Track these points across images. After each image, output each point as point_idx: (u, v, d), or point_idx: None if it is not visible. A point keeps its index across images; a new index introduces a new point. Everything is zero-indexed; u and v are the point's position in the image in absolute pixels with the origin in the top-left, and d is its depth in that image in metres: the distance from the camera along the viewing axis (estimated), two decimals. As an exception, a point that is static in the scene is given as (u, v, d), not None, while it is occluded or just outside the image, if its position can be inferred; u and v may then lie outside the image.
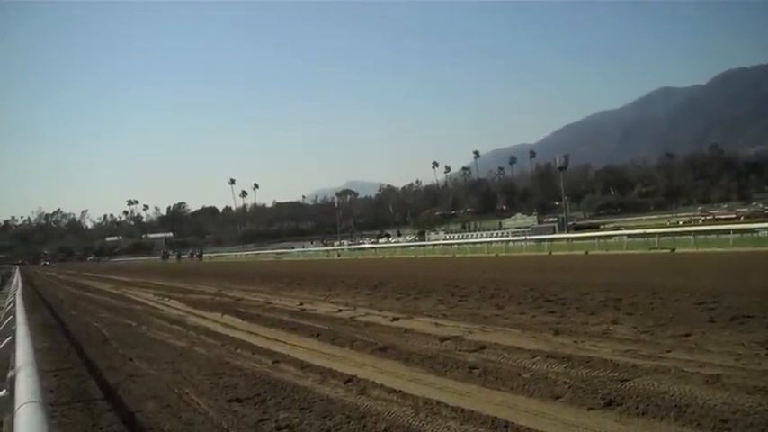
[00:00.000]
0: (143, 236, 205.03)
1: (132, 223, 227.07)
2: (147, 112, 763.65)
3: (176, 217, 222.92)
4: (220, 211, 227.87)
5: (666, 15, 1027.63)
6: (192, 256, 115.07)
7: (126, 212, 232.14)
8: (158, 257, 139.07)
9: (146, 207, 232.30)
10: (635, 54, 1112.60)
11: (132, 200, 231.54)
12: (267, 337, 12.93)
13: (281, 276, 34.82)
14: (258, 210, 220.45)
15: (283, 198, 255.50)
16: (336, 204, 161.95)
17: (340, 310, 16.45)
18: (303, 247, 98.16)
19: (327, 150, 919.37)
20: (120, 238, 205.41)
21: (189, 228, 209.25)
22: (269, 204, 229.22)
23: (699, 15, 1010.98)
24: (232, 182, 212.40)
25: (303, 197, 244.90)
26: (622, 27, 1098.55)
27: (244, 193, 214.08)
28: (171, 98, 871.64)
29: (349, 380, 8.42)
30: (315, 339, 12.15)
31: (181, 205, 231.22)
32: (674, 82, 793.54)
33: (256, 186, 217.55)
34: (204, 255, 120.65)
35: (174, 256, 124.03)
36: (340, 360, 9.98)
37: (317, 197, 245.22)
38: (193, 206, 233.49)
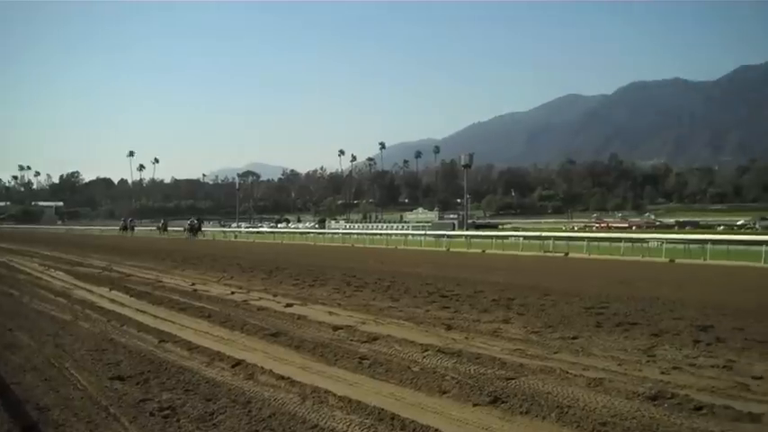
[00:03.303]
0: (32, 203, 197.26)
1: (22, 189, 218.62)
2: (48, 79, 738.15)
3: (68, 186, 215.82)
4: (116, 183, 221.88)
5: (578, 23, 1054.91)
6: (191, 228, 72.03)
7: (15, 177, 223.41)
8: (55, 227, 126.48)
9: (37, 174, 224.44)
10: (547, 59, 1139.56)
11: (24, 165, 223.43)
12: (155, 316, 12.60)
13: (175, 254, 34.12)
14: (156, 185, 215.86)
15: (184, 175, 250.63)
16: (237, 185, 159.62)
17: (233, 293, 16.20)
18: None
19: (232, 130, 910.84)
20: (9, 203, 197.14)
21: (81, 198, 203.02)
22: (167, 180, 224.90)
23: (609, 26, 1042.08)
24: (131, 154, 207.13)
25: (204, 175, 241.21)
26: (535, 31, 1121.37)
27: (142, 167, 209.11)
28: (71, 66, 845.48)
29: (237, 364, 8.27)
30: (205, 321, 11.91)
31: (74, 174, 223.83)
32: (582, 90, 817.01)
33: (156, 161, 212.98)
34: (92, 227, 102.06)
35: (159, 227, 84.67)
36: (229, 343, 9.80)
37: (217, 176, 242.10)
38: (89, 176, 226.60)
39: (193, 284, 18.46)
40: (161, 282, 19.37)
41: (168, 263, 27.67)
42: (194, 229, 71.55)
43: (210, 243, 57.49)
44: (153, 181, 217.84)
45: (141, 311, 13.29)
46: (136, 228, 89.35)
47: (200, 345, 9.54)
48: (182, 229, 77.90)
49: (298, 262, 28.17)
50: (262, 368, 7.99)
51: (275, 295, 15.67)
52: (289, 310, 13.19)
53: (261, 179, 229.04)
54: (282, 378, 7.52)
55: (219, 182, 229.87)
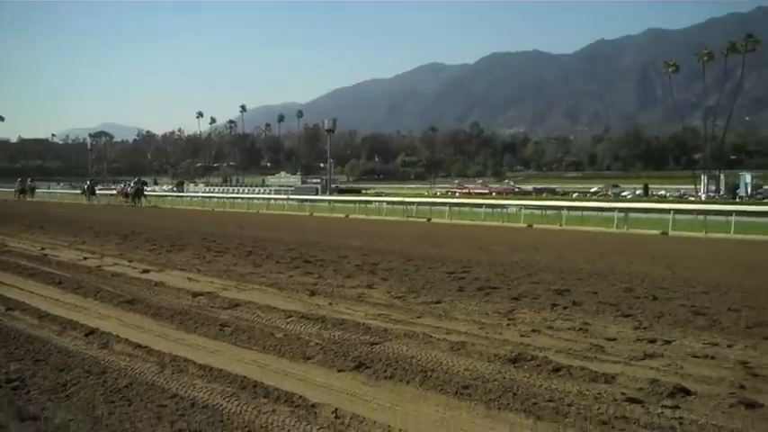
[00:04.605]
0: None
1: None
2: None
3: None
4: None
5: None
6: (136, 192, 55.82)
7: None
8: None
9: None
10: (410, 27, 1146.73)
11: None
12: (1, 282, 11.92)
13: (22, 217, 32.51)
14: (1, 145, 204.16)
15: (31, 134, 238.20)
16: (89, 146, 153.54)
17: (86, 258, 15.57)
18: (49, 188, 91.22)
19: (83, 88, 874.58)
20: None
21: None
22: (13, 140, 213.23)
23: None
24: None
25: (53, 135, 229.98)
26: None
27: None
28: None
29: (91, 332, 7.89)
30: (55, 287, 11.36)
31: None
32: (444, 58, 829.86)
33: (1, 119, 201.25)
34: None
35: (83, 191, 64.92)
36: (82, 311, 9.37)
37: (68, 136, 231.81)
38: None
39: (43, 249, 17.64)
40: (7, 246, 18.43)
41: (15, 226, 26.31)
42: (139, 194, 55.82)
43: (60, 205, 55.05)
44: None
45: (-16, 278, 12.55)
46: (36, 190, 71.92)
47: (51, 312, 9.07)
48: (113, 192, 64.65)
49: (154, 226, 27.44)
50: (117, 337, 7.66)
51: (131, 261, 15.16)
52: (145, 276, 12.78)
53: (114, 140, 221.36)
54: (139, 347, 7.23)
55: (70, 142, 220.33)
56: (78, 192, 69.89)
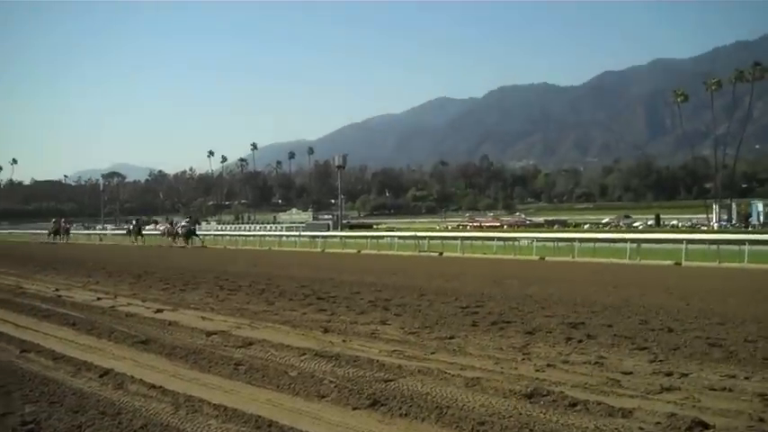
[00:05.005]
0: None
1: None
2: None
3: None
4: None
5: (448, 26, 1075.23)
6: (187, 233, 50.70)
7: None
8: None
9: None
10: (418, 63, 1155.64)
11: None
12: (16, 324, 11.95)
13: (36, 259, 32.70)
14: (14, 187, 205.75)
15: (45, 176, 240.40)
16: (102, 187, 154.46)
17: (99, 299, 15.60)
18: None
19: (95, 129, 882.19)
20: None
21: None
22: (27, 182, 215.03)
23: (477, 31, 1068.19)
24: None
25: (65, 176, 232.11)
26: (407, 32, 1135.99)
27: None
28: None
29: (105, 373, 7.89)
30: (70, 329, 11.37)
31: None
32: (453, 93, 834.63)
33: (14, 161, 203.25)
34: None
35: (130, 230, 59.95)
36: (96, 352, 9.37)
37: (80, 177, 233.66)
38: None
39: (57, 290, 17.70)
40: (21, 288, 18.50)
41: (29, 267, 26.47)
42: (190, 234, 50.65)
43: (75, 246, 55.24)
44: (11, 183, 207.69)
45: (0, 320, 12.59)
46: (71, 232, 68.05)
47: (66, 354, 9.08)
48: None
49: (167, 265, 27.50)
50: (132, 377, 7.66)
51: (144, 300, 15.19)
52: (159, 315, 12.79)
53: (127, 180, 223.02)
54: (154, 387, 7.23)
55: (83, 183, 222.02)
56: (123, 232, 66.55)
